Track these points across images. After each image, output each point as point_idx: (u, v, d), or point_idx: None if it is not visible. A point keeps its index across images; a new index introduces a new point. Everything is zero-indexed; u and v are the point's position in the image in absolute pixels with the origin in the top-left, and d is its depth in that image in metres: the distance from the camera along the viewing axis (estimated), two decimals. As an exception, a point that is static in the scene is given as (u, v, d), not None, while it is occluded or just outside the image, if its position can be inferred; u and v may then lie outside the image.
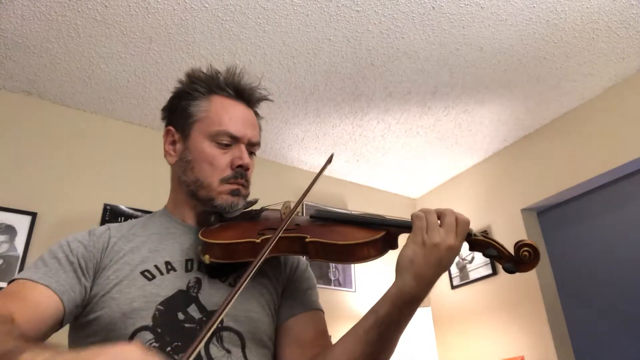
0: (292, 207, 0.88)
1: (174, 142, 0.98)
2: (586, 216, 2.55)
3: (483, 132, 2.77)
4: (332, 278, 2.84)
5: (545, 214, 2.74)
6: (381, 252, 0.83)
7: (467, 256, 2.93)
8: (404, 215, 0.89)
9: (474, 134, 2.78)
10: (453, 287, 2.98)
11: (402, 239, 0.85)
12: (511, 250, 0.81)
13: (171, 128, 0.99)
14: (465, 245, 0.82)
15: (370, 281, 2.95)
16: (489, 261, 2.78)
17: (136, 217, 2.34)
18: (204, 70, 0.99)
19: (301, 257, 1.04)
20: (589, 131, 2.49)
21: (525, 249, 0.79)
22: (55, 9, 1.87)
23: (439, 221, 0.78)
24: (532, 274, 2.55)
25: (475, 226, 2.90)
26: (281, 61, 2.19)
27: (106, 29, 1.97)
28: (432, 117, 2.62)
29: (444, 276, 3.00)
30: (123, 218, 2.32)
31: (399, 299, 0.77)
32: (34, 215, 2.12)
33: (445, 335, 2.92)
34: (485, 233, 0.83)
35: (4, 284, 1.98)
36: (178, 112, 0.98)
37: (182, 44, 2.06)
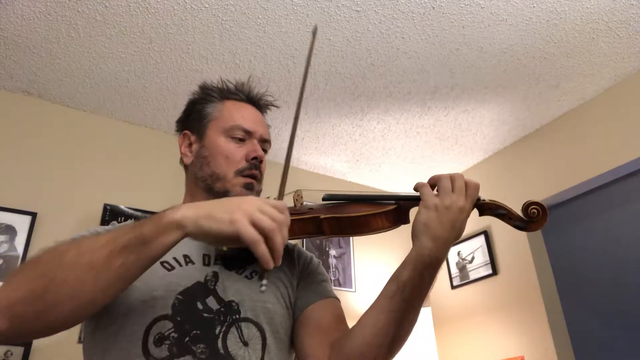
0: (303, 195, 0.95)
1: (190, 145, 1.03)
2: (586, 216, 2.55)
3: (483, 132, 2.77)
4: (332, 278, 2.84)
5: (545, 214, 2.74)
6: (394, 223, 0.87)
7: (467, 256, 2.93)
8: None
9: (474, 134, 2.78)
10: (453, 287, 2.98)
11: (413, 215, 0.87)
12: (520, 212, 0.85)
13: (187, 132, 1.04)
14: (475, 213, 0.85)
15: (370, 281, 2.95)
16: (489, 261, 2.78)
17: (136, 217, 2.36)
18: (216, 84, 1.08)
19: (313, 255, 1.08)
20: (589, 131, 2.49)
21: (534, 207, 0.83)
22: (55, 9, 1.87)
23: (450, 185, 0.81)
24: (532, 274, 2.55)
25: (474, 227, 2.91)
26: (281, 61, 2.19)
27: (106, 29, 1.97)
28: (432, 117, 2.62)
29: (444, 276, 3.00)
30: (123, 218, 2.32)
31: (419, 262, 0.79)
32: (34, 215, 2.12)
33: (445, 335, 2.92)
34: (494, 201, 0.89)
35: (4, 284, 2.00)
36: (193, 116, 1.04)
37: (182, 44, 2.06)
